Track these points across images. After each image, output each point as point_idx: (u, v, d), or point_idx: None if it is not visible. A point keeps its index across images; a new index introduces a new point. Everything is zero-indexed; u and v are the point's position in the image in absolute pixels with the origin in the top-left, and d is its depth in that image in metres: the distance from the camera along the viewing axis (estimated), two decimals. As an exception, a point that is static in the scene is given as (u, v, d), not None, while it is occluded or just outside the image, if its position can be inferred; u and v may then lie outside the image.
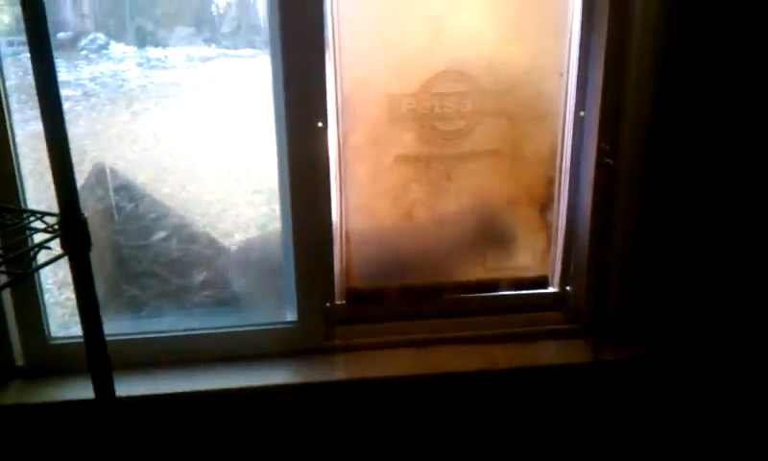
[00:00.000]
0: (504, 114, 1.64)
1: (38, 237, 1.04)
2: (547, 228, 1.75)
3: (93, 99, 1.70)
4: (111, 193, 1.69)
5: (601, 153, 1.61)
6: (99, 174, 1.69)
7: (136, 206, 1.70)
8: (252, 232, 1.81)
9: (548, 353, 1.73)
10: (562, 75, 1.63)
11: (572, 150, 1.67)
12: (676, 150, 1.55)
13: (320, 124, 1.57)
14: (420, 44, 1.57)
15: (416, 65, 1.58)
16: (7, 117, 1.50)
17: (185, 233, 1.74)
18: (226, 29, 1.68)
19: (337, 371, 1.67)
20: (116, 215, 1.70)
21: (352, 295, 1.73)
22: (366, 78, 1.57)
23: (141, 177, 1.72)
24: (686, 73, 1.51)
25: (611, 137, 1.60)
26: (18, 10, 1.48)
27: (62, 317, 1.70)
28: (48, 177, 1.03)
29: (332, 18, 1.52)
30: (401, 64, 1.58)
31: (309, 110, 1.56)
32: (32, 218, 1.09)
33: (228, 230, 1.81)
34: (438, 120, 1.62)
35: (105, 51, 1.71)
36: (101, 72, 1.73)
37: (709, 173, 1.57)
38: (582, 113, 1.64)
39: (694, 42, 1.49)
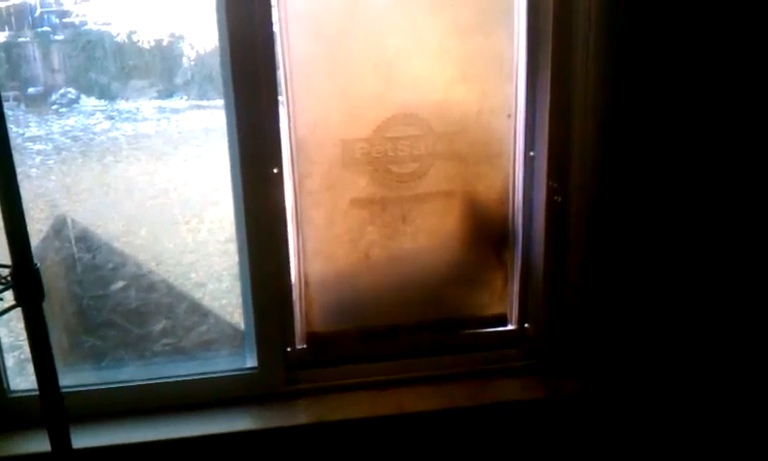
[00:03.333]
0: (456, 156, 1.67)
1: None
2: (504, 265, 1.77)
3: (64, 153, 1.71)
4: (72, 243, 1.70)
5: (550, 190, 1.64)
6: (60, 225, 1.70)
7: (93, 256, 1.71)
8: (226, 282, 1.82)
9: (507, 390, 1.74)
10: (510, 116, 1.67)
11: (524, 188, 1.71)
12: (621, 186, 1.59)
13: (275, 170, 1.60)
14: (371, 90, 1.61)
15: (368, 110, 1.62)
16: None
17: (144, 283, 1.74)
18: (180, 80, 1.71)
19: (299, 415, 1.68)
20: (77, 266, 1.70)
21: (313, 339, 1.74)
22: (320, 123, 1.61)
23: (112, 231, 1.73)
24: (628, 113, 1.57)
25: (559, 176, 1.64)
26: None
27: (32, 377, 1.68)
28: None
29: (285, 66, 1.55)
30: (354, 110, 1.61)
31: (264, 157, 1.58)
32: (-16, 270, 1.10)
33: (201, 280, 1.81)
34: (392, 163, 1.65)
35: (75, 105, 1.73)
36: (72, 126, 1.74)
37: (655, 208, 1.61)
38: (532, 153, 1.68)
39: (634, 85, 1.55)
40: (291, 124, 1.59)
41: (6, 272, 1.06)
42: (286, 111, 1.58)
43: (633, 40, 1.54)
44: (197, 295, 1.82)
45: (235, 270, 1.75)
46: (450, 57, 1.62)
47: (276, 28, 1.53)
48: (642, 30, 1.54)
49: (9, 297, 1.07)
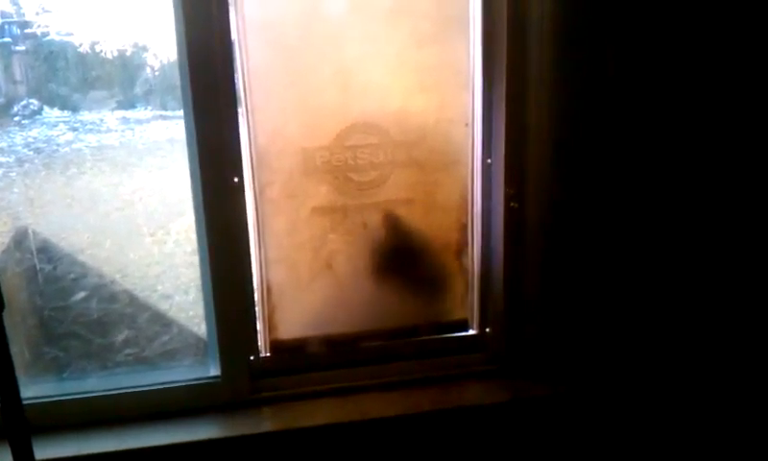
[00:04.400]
0: (415, 164, 1.70)
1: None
2: (464, 271, 1.79)
3: (27, 165, 1.70)
4: (34, 255, 1.69)
5: (507, 197, 1.67)
6: (21, 236, 1.69)
7: (54, 267, 1.70)
8: (192, 293, 1.82)
9: (470, 394, 1.76)
10: (467, 125, 1.70)
11: (482, 195, 1.74)
12: (577, 191, 1.63)
13: (235, 179, 1.61)
14: (330, 99, 1.62)
15: (328, 119, 1.64)
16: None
17: (106, 293, 1.74)
18: (142, 91, 1.72)
19: (263, 423, 1.68)
20: (39, 277, 1.70)
21: (276, 347, 1.75)
22: (279, 132, 1.62)
23: (75, 243, 1.73)
24: (583, 120, 1.60)
25: (515, 182, 1.67)
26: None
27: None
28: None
29: (243, 76, 1.56)
30: (314, 118, 1.63)
31: (224, 167, 1.59)
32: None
33: (168, 291, 1.81)
34: (352, 171, 1.67)
35: (38, 116, 1.72)
36: (35, 137, 1.73)
37: (611, 211, 1.65)
38: (489, 160, 1.71)
39: (589, 91, 1.59)
40: (251, 133, 1.60)
41: (-36, 284, 1.06)
42: (246, 121, 1.59)
43: (586, 48, 1.58)
44: (163, 307, 1.82)
45: (201, 281, 1.76)
46: (408, 66, 1.65)
47: (234, 37, 1.54)
48: (595, 37, 1.58)
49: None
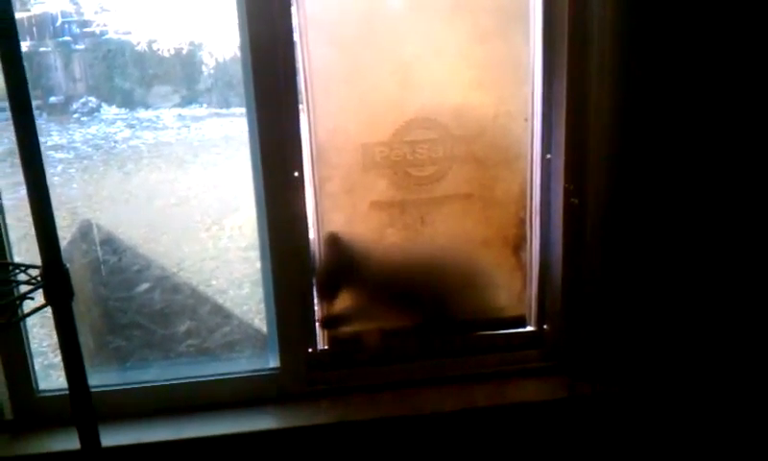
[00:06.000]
0: (474, 159, 1.69)
1: (24, 290, 1.08)
2: (522, 267, 1.79)
3: (86, 161, 1.75)
4: (98, 247, 1.73)
5: (567, 193, 1.66)
6: (86, 229, 1.74)
7: (119, 259, 1.74)
8: (246, 288, 1.84)
9: (526, 391, 1.76)
10: (526, 119, 1.69)
11: (541, 191, 1.73)
12: (639, 188, 1.61)
13: (296, 173, 1.63)
14: (389, 95, 1.63)
15: (387, 115, 1.64)
16: (-6, 180, 1.56)
17: (168, 284, 1.77)
18: (200, 88, 1.74)
19: (320, 414, 1.70)
20: (103, 268, 1.74)
21: (334, 340, 1.76)
22: (340, 128, 1.63)
23: (134, 237, 1.76)
24: (644, 115, 1.58)
25: (575, 178, 1.66)
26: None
27: (57, 380, 1.72)
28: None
29: (305, 73, 1.58)
30: (373, 115, 1.64)
31: (285, 161, 1.61)
32: (16, 271, 1.14)
33: (222, 287, 1.84)
34: (410, 166, 1.67)
35: (96, 113, 1.76)
36: (93, 134, 1.77)
37: (673, 209, 1.63)
38: (548, 156, 1.70)
39: (650, 87, 1.57)
40: (311, 129, 1.61)
41: (36, 272, 1.09)
42: (307, 117, 1.60)
43: (648, 43, 1.56)
44: (219, 300, 1.84)
45: (256, 277, 1.78)
46: (468, 61, 1.64)
47: (295, 35, 1.56)
48: (657, 32, 1.55)
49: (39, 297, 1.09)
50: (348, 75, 1.61)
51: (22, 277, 1.11)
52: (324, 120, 1.62)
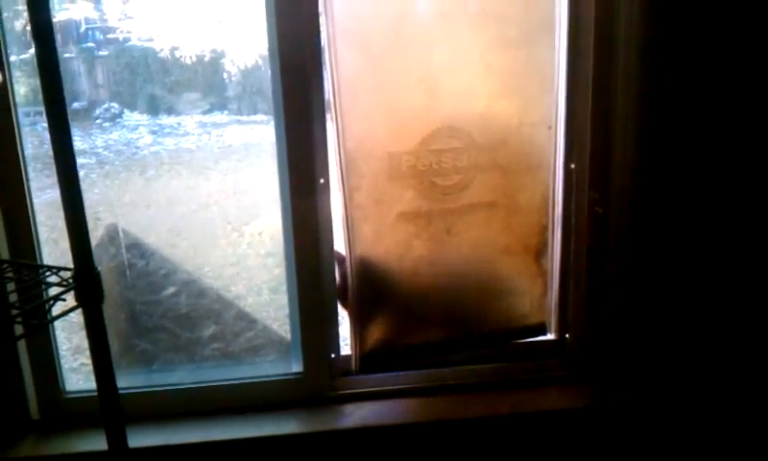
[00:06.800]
0: (498, 167, 1.70)
1: (54, 292, 1.09)
2: (543, 275, 1.79)
3: (107, 166, 1.75)
4: (124, 251, 1.74)
5: (591, 202, 1.67)
6: (112, 233, 1.75)
7: (147, 263, 1.76)
8: (265, 295, 1.85)
9: (548, 399, 1.76)
10: (550, 128, 1.70)
11: (564, 199, 1.74)
12: (663, 197, 1.62)
13: (321, 180, 1.64)
14: (416, 103, 1.64)
15: (414, 124, 1.64)
16: (25, 184, 1.58)
17: (194, 289, 1.79)
18: (222, 96, 1.75)
19: (343, 419, 1.71)
20: (129, 272, 1.75)
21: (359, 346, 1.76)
22: (367, 137, 1.63)
23: (158, 242, 1.78)
24: (669, 125, 1.59)
25: (599, 187, 1.67)
26: (34, 81, 1.57)
27: (77, 383, 1.75)
28: (63, 242, 1.07)
29: (332, 82, 1.58)
30: (400, 123, 1.64)
31: (312, 168, 1.63)
32: (48, 273, 1.15)
33: (241, 293, 1.85)
34: (436, 176, 1.68)
35: (119, 119, 1.77)
36: (115, 140, 1.78)
37: (698, 219, 1.63)
38: (572, 165, 1.71)
39: (675, 96, 1.58)
40: (339, 137, 1.60)
41: (68, 274, 1.10)
42: (334, 125, 1.60)
43: (673, 52, 1.57)
44: (240, 306, 1.86)
45: (274, 283, 1.79)
46: (493, 70, 1.65)
47: (323, 44, 1.57)
48: (682, 42, 1.57)
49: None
50: (375, 83, 1.61)
51: (53, 279, 1.12)
52: (352, 129, 1.61)
